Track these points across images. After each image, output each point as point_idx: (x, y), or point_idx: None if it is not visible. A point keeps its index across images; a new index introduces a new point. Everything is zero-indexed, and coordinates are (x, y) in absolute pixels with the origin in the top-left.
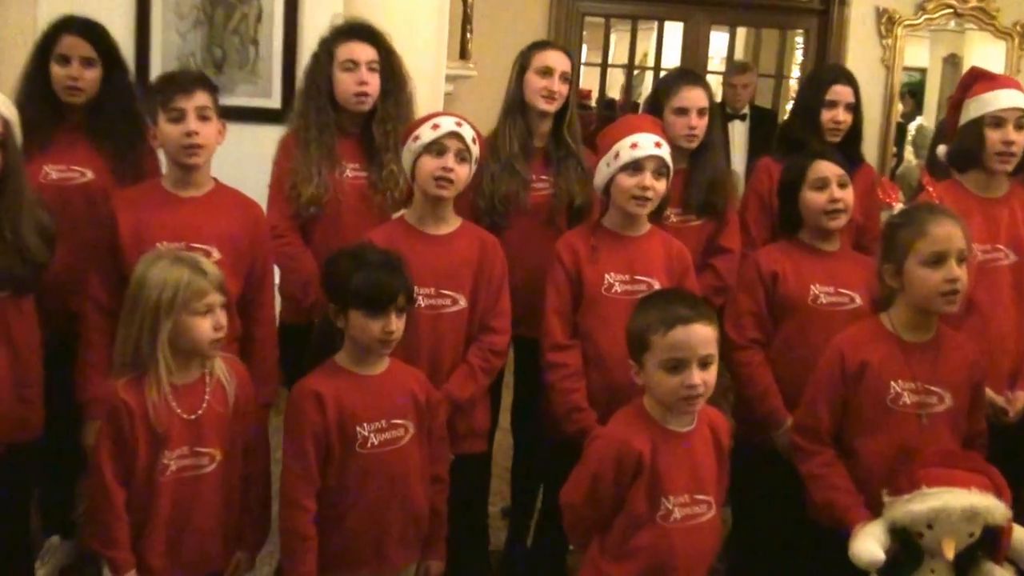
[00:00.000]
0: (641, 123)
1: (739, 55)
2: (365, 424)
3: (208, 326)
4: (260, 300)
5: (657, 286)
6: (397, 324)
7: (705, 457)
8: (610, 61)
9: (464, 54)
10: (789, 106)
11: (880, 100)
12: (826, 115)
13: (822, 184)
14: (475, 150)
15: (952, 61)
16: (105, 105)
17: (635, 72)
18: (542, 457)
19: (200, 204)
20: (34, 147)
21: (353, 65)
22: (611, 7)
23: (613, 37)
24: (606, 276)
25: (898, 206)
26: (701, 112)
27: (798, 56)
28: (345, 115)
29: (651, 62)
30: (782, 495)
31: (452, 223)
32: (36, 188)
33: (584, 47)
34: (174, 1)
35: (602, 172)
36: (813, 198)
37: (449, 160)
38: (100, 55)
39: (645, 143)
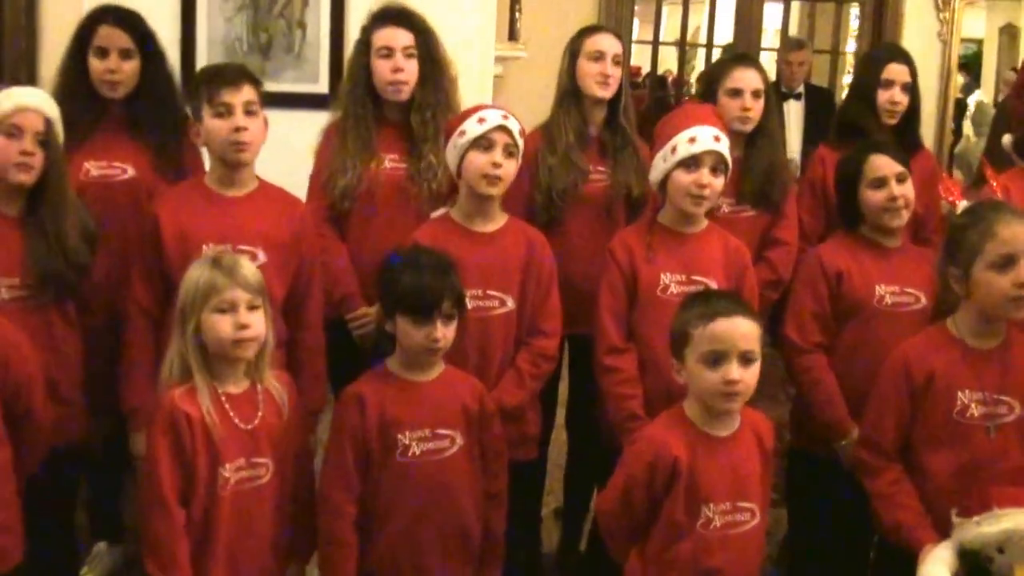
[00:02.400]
0: (700, 115)
1: (793, 30)
2: (407, 432)
3: (227, 324)
4: (307, 304)
5: (714, 287)
6: (443, 331)
7: (748, 462)
8: (661, 38)
9: (513, 35)
10: (846, 81)
11: (936, 75)
12: (882, 96)
13: (880, 182)
14: (522, 144)
15: (1009, 32)
16: (145, 98)
17: (687, 49)
18: (597, 461)
19: (245, 204)
20: (74, 143)
21: (388, 52)
22: None
23: (665, 11)
24: (662, 276)
25: (961, 204)
26: (756, 94)
27: (853, 30)
28: (385, 104)
29: (703, 39)
30: (842, 506)
31: (499, 220)
32: (78, 186)
33: (636, 22)
34: None
35: (658, 167)
36: (872, 196)
37: (497, 155)
38: (138, 45)
39: (704, 137)
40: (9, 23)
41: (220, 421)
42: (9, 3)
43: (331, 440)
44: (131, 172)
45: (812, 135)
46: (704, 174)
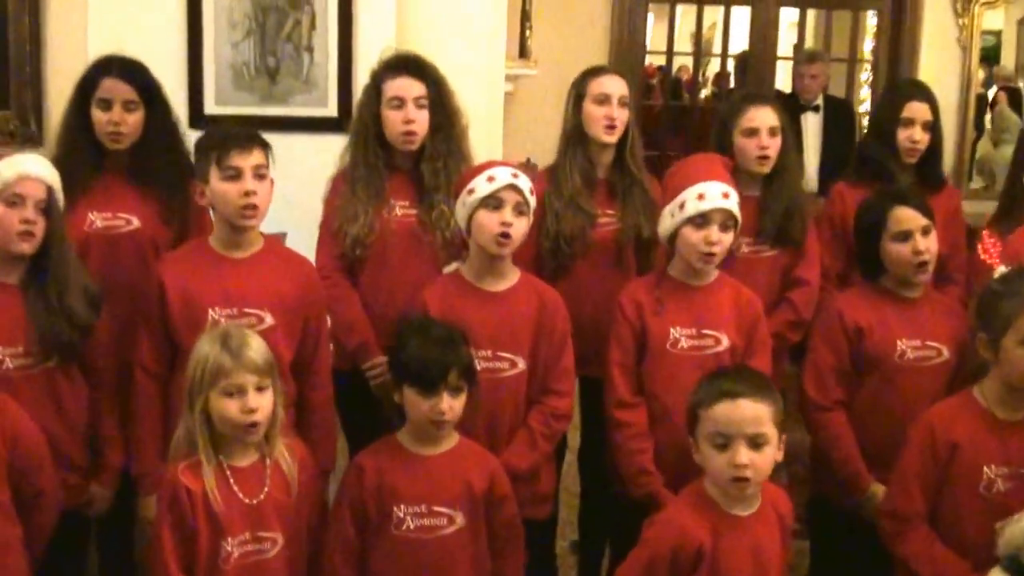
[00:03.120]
0: (709, 169)
1: (809, 38)
2: (403, 505)
3: (234, 408)
4: (315, 364)
5: (725, 341)
6: (450, 404)
7: (769, 542)
8: (675, 48)
9: (524, 52)
10: (864, 93)
11: (957, 82)
12: (902, 134)
13: (905, 235)
14: (532, 202)
15: None
16: (150, 149)
17: (702, 59)
18: (610, 510)
19: (251, 265)
20: (77, 194)
21: (400, 102)
22: None
23: (679, 10)
24: (672, 330)
25: (1000, 268)
26: (772, 132)
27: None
28: (395, 152)
29: (717, 48)
30: (863, 558)
31: (511, 277)
32: (81, 237)
33: (650, 18)
34: (226, 10)
35: (666, 222)
36: (896, 250)
37: (507, 215)
38: (142, 97)
39: (712, 194)
40: (14, 50)
41: (223, 496)
42: (13, 30)
43: (333, 506)
44: (136, 223)
45: (830, 149)
46: (714, 231)
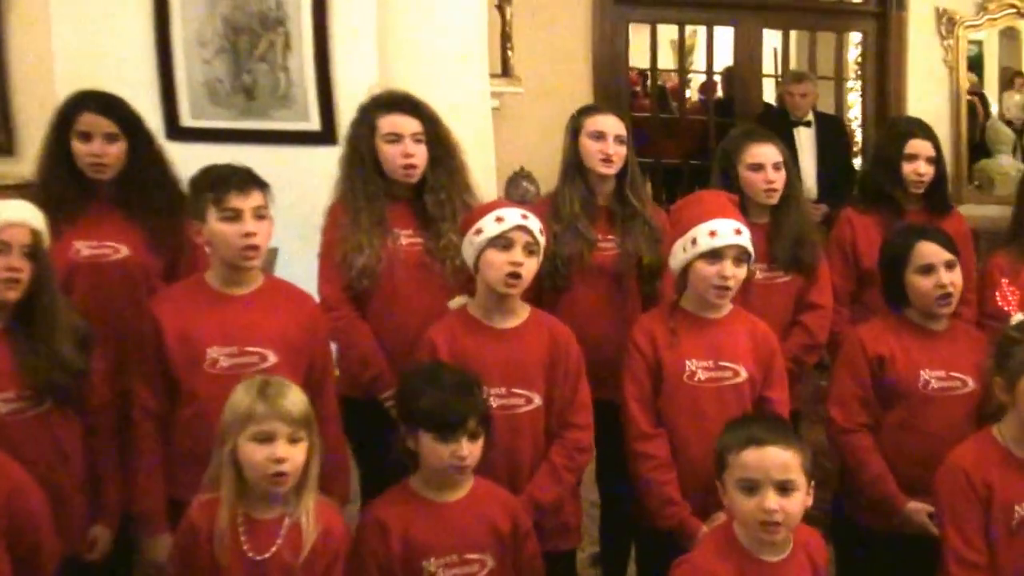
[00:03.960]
0: (719, 206)
1: (793, 58)
2: (433, 558)
3: (261, 456)
4: (321, 400)
5: (744, 373)
6: (469, 449)
7: None
8: (657, 65)
9: (507, 71)
10: (852, 113)
11: (946, 101)
12: (907, 168)
13: (928, 269)
14: (543, 242)
15: (1009, 35)
16: (135, 177)
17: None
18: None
19: (251, 303)
20: (62, 223)
21: (396, 138)
22: (657, 12)
23: (660, 38)
24: (687, 363)
25: (1017, 316)
26: (776, 166)
27: (856, 57)
28: (393, 182)
29: (699, 63)
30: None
31: (520, 314)
32: (68, 267)
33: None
34: (195, 30)
35: (678, 256)
36: (920, 283)
37: (517, 255)
38: (122, 129)
39: (724, 231)
40: None
41: (229, 545)
42: None
43: (353, 569)
44: (125, 251)
45: (825, 161)
46: (727, 266)
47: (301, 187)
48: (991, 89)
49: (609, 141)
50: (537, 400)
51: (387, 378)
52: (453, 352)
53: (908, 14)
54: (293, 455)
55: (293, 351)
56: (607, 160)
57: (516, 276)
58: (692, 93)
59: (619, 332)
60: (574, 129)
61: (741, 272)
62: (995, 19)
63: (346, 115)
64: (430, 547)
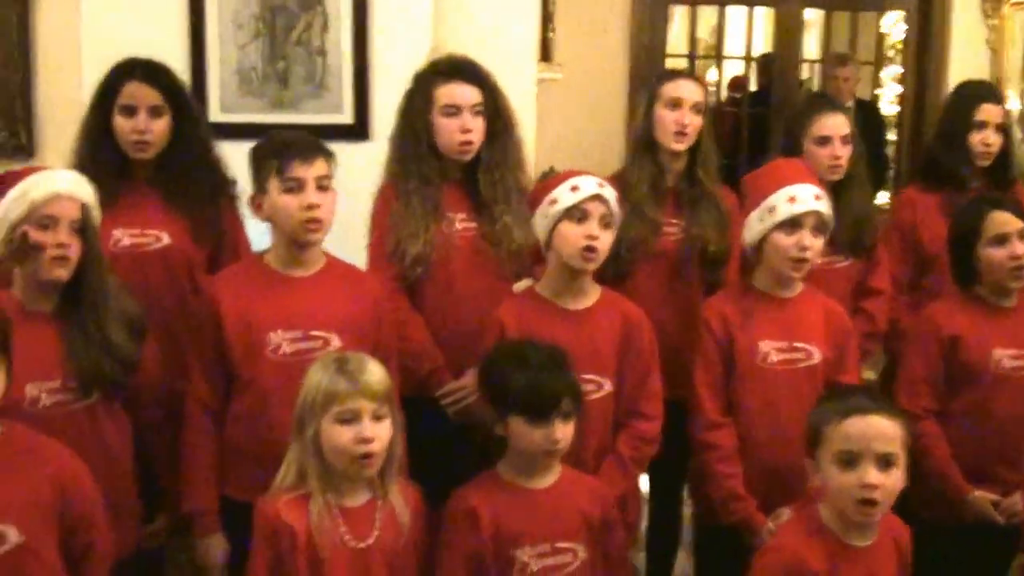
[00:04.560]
0: (797, 172)
1: (833, 41)
2: (527, 547)
3: (347, 436)
4: None
5: (818, 355)
6: (563, 432)
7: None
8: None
9: (546, 56)
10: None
11: None
12: (975, 137)
13: (1002, 239)
14: (619, 213)
15: None
16: (177, 158)
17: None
18: (677, 523)
19: (314, 285)
20: (101, 209)
21: (455, 110)
22: None
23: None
24: (760, 344)
25: None
26: (844, 140)
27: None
28: (447, 161)
29: (741, 51)
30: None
31: (592, 294)
32: (107, 256)
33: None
34: (230, 12)
35: (753, 228)
36: (993, 254)
37: (593, 227)
38: (168, 102)
39: (804, 196)
40: (2, 59)
41: (329, 538)
42: (1, 37)
43: (443, 557)
44: (166, 240)
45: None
46: (806, 236)
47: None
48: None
49: (685, 110)
50: (608, 386)
51: (444, 374)
52: (522, 333)
53: None
54: (380, 433)
55: (357, 335)
56: (680, 133)
57: (592, 250)
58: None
59: (680, 324)
60: (649, 98)
61: (819, 243)
62: None
63: (381, 109)
64: (522, 536)
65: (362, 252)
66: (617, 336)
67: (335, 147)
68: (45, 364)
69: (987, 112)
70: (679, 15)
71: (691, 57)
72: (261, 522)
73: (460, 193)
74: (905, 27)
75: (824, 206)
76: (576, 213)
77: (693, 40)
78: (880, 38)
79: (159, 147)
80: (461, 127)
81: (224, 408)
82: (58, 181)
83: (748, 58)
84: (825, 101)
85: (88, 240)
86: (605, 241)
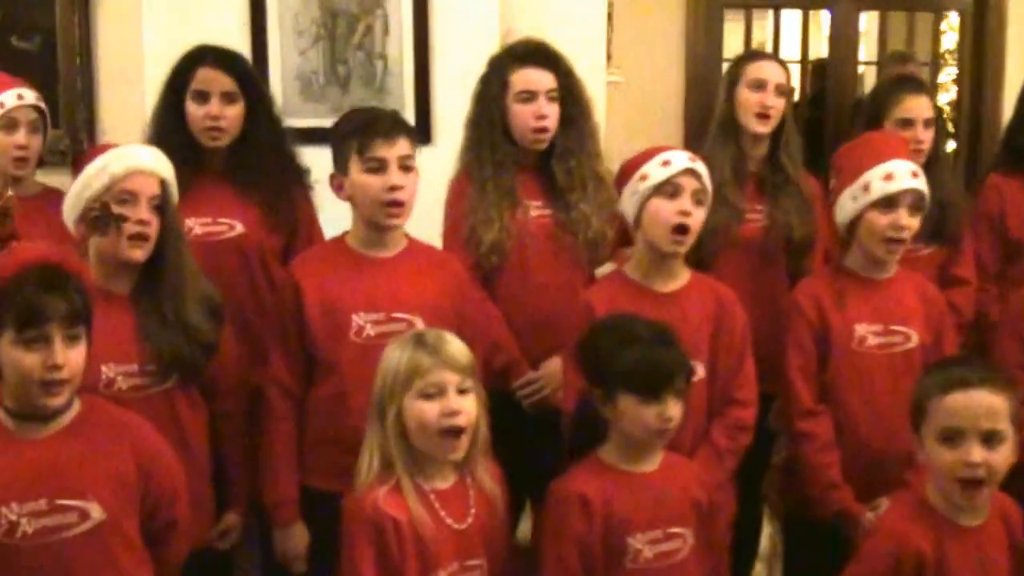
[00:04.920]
0: (893, 147)
1: (890, 42)
2: (638, 534)
3: (434, 411)
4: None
5: (915, 338)
6: (676, 410)
7: (998, 557)
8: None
9: (608, 57)
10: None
11: None
12: None
13: None
14: (711, 189)
15: None
16: (251, 145)
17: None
18: (786, 526)
19: (396, 266)
20: None
21: (530, 96)
22: None
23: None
24: (856, 328)
25: None
26: (927, 123)
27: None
28: (522, 148)
29: (797, 55)
30: None
31: (682, 276)
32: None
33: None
34: (291, 17)
35: (846, 207)
36: None
37: (686, 203)
38: (242, 88)
39: (901, 174)
40: (64, 65)
41: (432, 523)
42: (62, 44)
43: (551, 546)
44: (240, 229)
45: None
46: (902, 215)
47: None
48: None
49: (769, 91)
50: (701, 371)
51: (521, 365)
52: None
53: None
54: (466, 407)
55: (440, 317)
56: (763, 115)
57: (684, 229)
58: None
59: (765, 316)
60: (731, 79)
61: (915, 223)
62: None
63: (443, 113)
64: (634, 522)
65: None
66: (710, 319)
67: None
68: (122, 346)
69: None
70: (736, 20)
71: None
72: (360, 518)
73: (535, 181)
74: (959, 29)
75: (921, 184)
76: (668, 188)
77: (748, 45)
78: (937, 40)
79: (232, 135)
80: (536, 113)
81: (304, 395)
82: (138, 156)
83: (804, 61)
84: (909, 82)
85: (167, 218)
86: (697, 218)
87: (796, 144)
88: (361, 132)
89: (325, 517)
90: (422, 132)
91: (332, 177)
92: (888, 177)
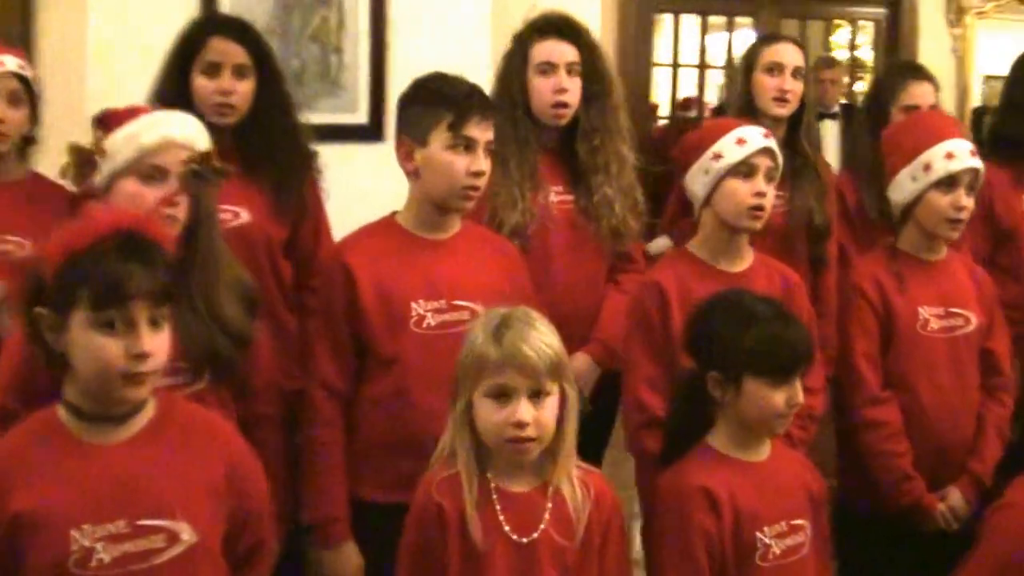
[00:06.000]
0: (950, 126)
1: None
2: (766, 528)
3: (499, 416)
4: None
5: (974, 320)
6: (802, 392)
7: None
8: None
9: None
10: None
11: (953, 91)
12: None
13: None
14: (781, 166)
15: None
16: (260, 126)
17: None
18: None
19: (453, 249)
20: None
21: (550, 68)
22: (680, 4)
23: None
24: (920, 311)
25: None
26: (932, 109)
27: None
28: (543, 127)
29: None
30: None
31: (748, 257)
32: None
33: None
34: (244, 8)
35: (905, 187)
36: None
37: (761, 183)
38: (256, 63)
39: (962, 153)
40: None
41: (485, 525)
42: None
43: (671, 548)
44: (245, 216)
45: (851, 156)
46: (962, 195)
47: (346, 188)
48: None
49: (787, 75)
50: None
51: None
52: (683, 300)
53: (920, 1)
54: (538, 416)
55: (501, 303)
56: (781, 99)
57: (760, 209)
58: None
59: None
60: (747, 64)
61: (972, 203)
62: (1001, 4)
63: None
64: (762, 515)
65: None
66: (779, 300)
67: (348, 148)
68: None
69: None
70: (666, 24)
71: (674, 66)
72: (416, 502)
73: (556, 164)
74: (873, 38)
75: (980, 163)
76: (743, 168)
77: (676, 50)
78: (853, 47)
79: (242, 112)
80: (555, 86)
81: (352, 396)
82: (172, 124)
83: (730, 66)
84: (914, 69)
85: (200, 197)
86: (770, 197)
87: (815, 128)
88: (457, 105)
89: (381, 535)
90: (375, 129)
91: (402, 143)
92: (950, 156)
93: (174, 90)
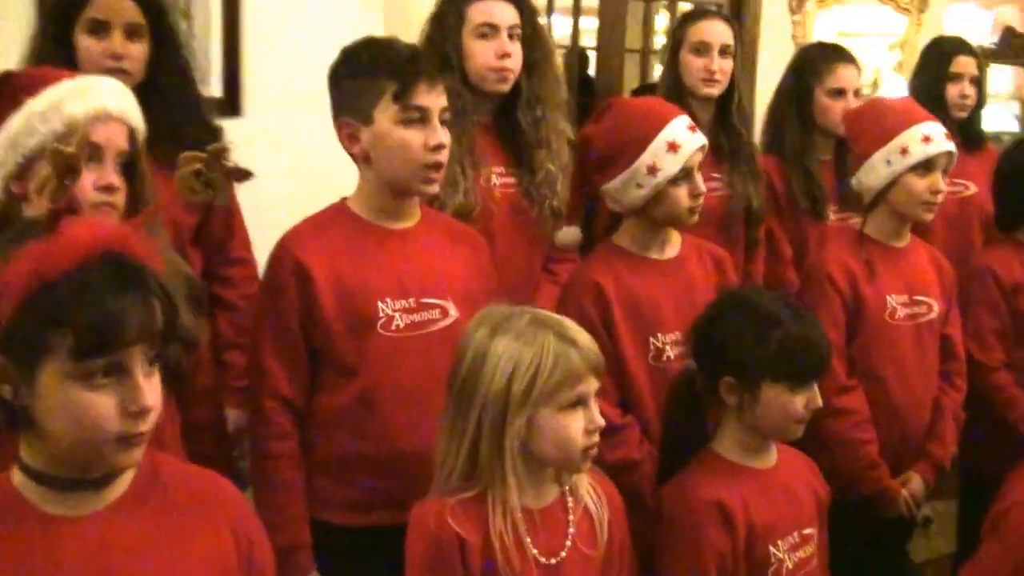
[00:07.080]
0: (920, 110)
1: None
2: (779, 541)
3: (579, 427)
4: None
5: (936, 307)
6: (819, 396)
7: None
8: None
9: None
10: None
11: None
12: (952, 90)
13: None
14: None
15: None
16: (158, 94)
17: None
18: None
19: (417, 240)
20: None
21: (491, 30)
22: None
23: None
24: (888, 299)
25: None
26: (858, 93)
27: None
28: (479, 97)
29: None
30: None
31: (676, 242)
32: None
33: None
34: None
35: (880, 171)
36: None
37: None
38: (150, 22)
39: (938, 136)
40: None
41: (515, 553)
42: None
43: (681, 566)
44: None
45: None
46: (939, 178)
47: None
48: None
49: (714, 54)
50: None
51: None
52: (622, 296)
53: None
54: (600, 419)
55: (472, 302)
56: (710, 79)
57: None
58: None
59: None
60: (674, 42)
61: (944, 185)
62: None
63: (254, 80)
64: (775, 527)
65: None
66: (712, 283)
67: None
68: None
69: (962, 64)
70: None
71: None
72: (420, 531)
73: (494, 140)
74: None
75: (953, 145)
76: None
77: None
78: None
79: (136, 79)
80: (498, 51)
81: (306, 408)
82: (104, 93)
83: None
84: (839, 52)
85: (137, 180)
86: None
87: (748, 107)
88: (400, 72)
89: (347, 561)
90: (231, 103)
91: (343, 125)
92: (927, 139)
93: (51, 52)
